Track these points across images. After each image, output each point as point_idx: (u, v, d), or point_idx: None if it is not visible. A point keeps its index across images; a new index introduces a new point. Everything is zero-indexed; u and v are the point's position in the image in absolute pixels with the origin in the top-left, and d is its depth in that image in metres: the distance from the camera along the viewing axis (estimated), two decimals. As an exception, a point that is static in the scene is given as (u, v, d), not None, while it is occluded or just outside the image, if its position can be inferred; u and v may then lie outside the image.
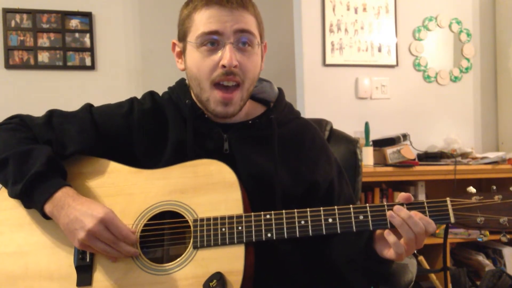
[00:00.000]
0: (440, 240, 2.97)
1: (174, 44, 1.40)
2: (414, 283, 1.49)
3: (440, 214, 1.15)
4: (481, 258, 3.26)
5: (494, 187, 1.15)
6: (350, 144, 1.74)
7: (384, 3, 3.48)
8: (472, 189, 1.16)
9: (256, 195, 1.28)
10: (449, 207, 1.15)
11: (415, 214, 1.12)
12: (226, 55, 1.25)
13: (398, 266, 1.47)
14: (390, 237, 1.12)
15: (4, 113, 1.44)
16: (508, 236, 1.15)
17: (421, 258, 3.01)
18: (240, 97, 1.30)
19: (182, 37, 1.35)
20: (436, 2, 3.60)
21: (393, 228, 1.13)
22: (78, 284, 1.20)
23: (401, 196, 1.17)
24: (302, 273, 1.37)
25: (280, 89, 1.48)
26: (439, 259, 3.17)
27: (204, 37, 1.27)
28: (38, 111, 1.43)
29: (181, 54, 1.37)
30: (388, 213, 1.14)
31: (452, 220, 1.14)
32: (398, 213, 1.12)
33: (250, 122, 1.38)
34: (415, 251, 2.92)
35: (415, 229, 1.11)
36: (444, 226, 1.33)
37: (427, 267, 3.04)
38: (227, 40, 1.26)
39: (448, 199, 1.15)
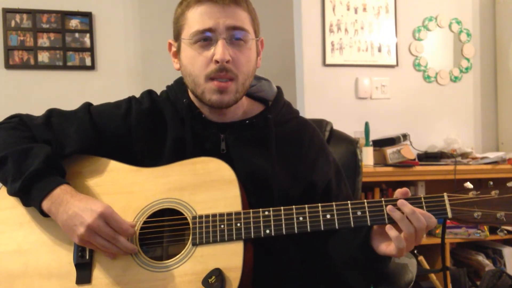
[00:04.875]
0: (440, 240, 2.97)
1: (170, 44, 1.40)
2: (414, 283, 1.49)
3: (438, 209, 1.15)
4: (481, 258, 3.26)
5: (491, 183, 1.15)
6: (350, 144, 1.73)
7: (384, 3, 3.48)
8: (469, 185, 1.16)
9: (253, 195, 1.28)
10: (446, 202, 1.15)
11: (418, 210, 1.12)
12: (219, 50, 1.24)
13: (398, 266, 1.47)
14: (392, 231, 1.11)
15: (4, 113, 1.44)
16: (506, 231, 1.16)
17: (421, 258, 3.01)
18: (235, 89, 1.29)
19: (177, 35, 1.35)
20: (436, 2, 3.60)
21: (393, 223, 1.13)
22: (77, 281, 1.20)
23: (398, 191, 1.17)
24: (301, 271, 1.37)
25: (278, 88, 1.48)
26: (439, 259, 3.17)
27: (197, 34, 1.27)
28: (38, 111, 1.43)
29: (177, 54, 1.37)
30: (388, 207, 1.14)
31: (450, 215, 1.14)
32: (402, 208, 1.12)
33: (247, 122, 1.37)
34: (415, 251, 2.93)
35: (417, 224, 1.10)
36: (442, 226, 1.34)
37: (427, 267, 3.04)
38: (220, 35, 1.26)
39: (445, 194, 1.16)
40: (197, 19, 1.27)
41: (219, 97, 1.28)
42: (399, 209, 1.13)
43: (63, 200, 1.20)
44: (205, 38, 1.27)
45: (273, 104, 1.42)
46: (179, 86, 1.42)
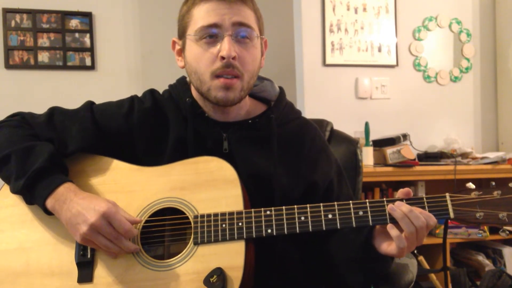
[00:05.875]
0: (440, 240, 2.98)
1: (174, 42, 1.40)
2: (414, 283, 1.49)
3: (440, 210, 1.15)
4: (481, 258, 3.26)
5: (493, 183, 1.15)
6: (350, 144, 1.74)
7: (384, 3, 3.49)
8: (471, 185, 1.16)
9: (255, 195, 1.28)
10: (448, 202, 1.15)
11: (415, 209, 1.13)
12: (225, 46, 1.25)
13: (398, 266, 1.47)
14: (393, 230, 1.12)
15: (5, 113, 1.44)
16: (508, 232, 1.16)
17: (421, 258, 3.01)
18: (240, 87, 1.29)
19: (182, 33, 1.35)
20: (436, 2, 3.60)
21: (394, 223, 1.13)
22: (79, 280, 1.20)
23: (400, 191, 1.18)
24: (302, 271, 1.37)
25: (281, 88, 1.48)
26: (439, 259, 3.17)
27: (203, 30, 1.27)
28: (38, 111, 1.43)
29: (181, 51, 1.37)
30: (389, 206, 1.14)
31: (452, 215, 1.14)
32: (400, 208, 1.13)
33: (249, 121, 1.38)
34: (415, 251, 2.93)
35: (416, 223, 1.11)
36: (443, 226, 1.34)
37: (427, 267, 3.04)
38: (226, 32, 1.26)
39: (447, 194, 1.16)
40: (203, 15, 1.28)
41: (225, 94, 1.28)
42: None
43: (66, 198, 1.20)
44: (211, 35, 1.27)
45: (275, 104, 1.42)
46: (182, 85, 1.42)
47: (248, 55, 1.29)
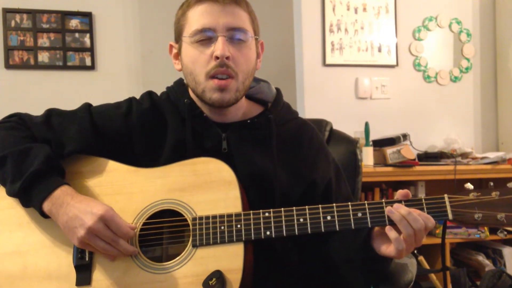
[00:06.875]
0: (440, 240, 2.97)
1: (171, 46, 1.41)
2: (414, 283, 1.49)
3: (438, 211, 1.15)
4: (481, 258, 3.26)
5: (492, 184, 1.15)
6: (350, 144, 1.73)
7: (384, 3, 3.48)
8: (469, 186, 1.16)
9: (254, 194, 1.28)
10: (447, 203, 1.15)
11: (413, 211, 1.13)
12: (219, 46, 1.26)
13: (398, 266, 1.47)
14: (392, 232, 1.12)
15: (4, 113, 1.44)
16: (506, 232, 1.16)
17: (421, 258, 3.01)
18: (235, 87, 1.30)
19: (178, 36, 1.36)
20: (436, 2, 3.60)
21: (393, 225, 1.13)
22: (77, 283, 1.20)
23: (399, 193, 1.18)
24: (301, 272, 1.37)
25: (278, 89, 1.48)
26: (439, 259, 3.17)
27: (198, 32, 1.28)
28: (38, 111, 1.42)
29: (178, 55, 1.38)
30: (387, 208, 1.15)
31: (450, 216, 1.14)
32: (398, 210, 1.13)
33: (248, 121, 1.38)
34: (415, 251, 2.92)
35: (415, 225, 1.11)
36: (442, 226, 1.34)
37: (427, 267, 3.04)
38: (220, 33, 1.27)
39: (445, 195, 1.16)
40: (197, 17, 1.29)
41: (220, 95, 1.28)
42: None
43: (63, 201, 1.20)
44: (205, 37, 1.28)
45: (272, 106, 1.42)
46: (179, 87, 1.42)
47: (241, 56, 1.30)
